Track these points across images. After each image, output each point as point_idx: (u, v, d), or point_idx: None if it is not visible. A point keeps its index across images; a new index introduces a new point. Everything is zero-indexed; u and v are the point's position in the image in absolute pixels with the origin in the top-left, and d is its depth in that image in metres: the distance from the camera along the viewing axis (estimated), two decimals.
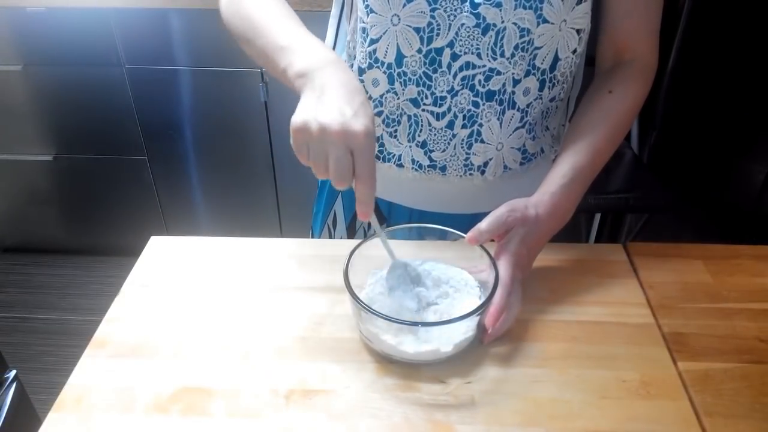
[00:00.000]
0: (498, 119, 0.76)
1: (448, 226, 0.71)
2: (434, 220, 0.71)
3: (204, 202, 2.11)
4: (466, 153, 0.78)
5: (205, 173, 2.04)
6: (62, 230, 2.23)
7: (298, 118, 0.58)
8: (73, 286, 2.17)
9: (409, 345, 0.61)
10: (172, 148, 1.98)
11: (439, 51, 0.71)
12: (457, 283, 0.69)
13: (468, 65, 0.71)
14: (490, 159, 0.79)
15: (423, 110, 0.76)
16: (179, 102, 1.89)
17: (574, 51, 0.74)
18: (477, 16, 0.68)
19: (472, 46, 0.70)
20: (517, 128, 0.78)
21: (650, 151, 1.86)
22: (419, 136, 0.78)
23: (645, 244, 0.80)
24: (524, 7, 0.67)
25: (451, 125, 0.76)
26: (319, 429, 0.57)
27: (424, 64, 0.72)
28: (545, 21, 0.69)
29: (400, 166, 0.82)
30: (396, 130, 0.79)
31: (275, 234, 2.15)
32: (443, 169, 0.80)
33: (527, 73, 0.73)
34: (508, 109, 0.75)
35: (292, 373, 0.62)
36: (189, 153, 1.99)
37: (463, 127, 0.76)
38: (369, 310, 0.60)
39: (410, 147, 0.80)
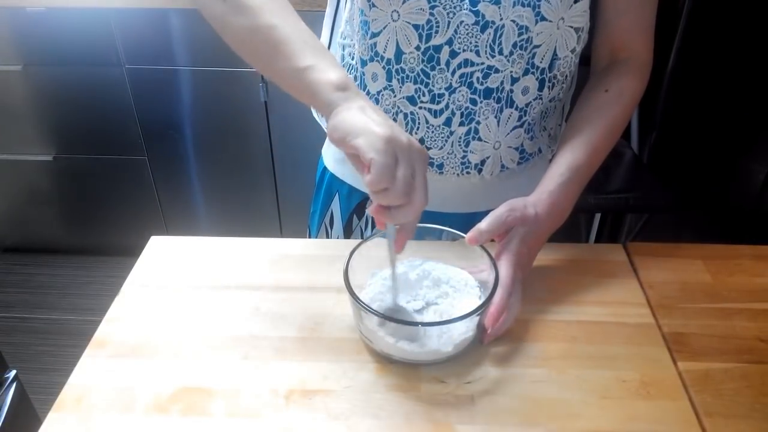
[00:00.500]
0: (496, 117, 0.76)
1: (444, 226, 0.71)
2: (431, 219, 0.71)
3: (204, 202, 2.11)
4: (464, 151, 0.78)
5: (205, 173, 2.04)
6: (62, 230, 2.23)
7: (383, 130, 0.54)
8: (73, 286, 2.17)
9: (409, 345, 0.61)
10: (172, 148, 1.98)
11: (438, 48, 0.71)
12: (457, 283, 0.69)
13: (466, 62, 0.71)
14: (488, 157, 0.79)
15: (420, 108, 0.76)
16: (179, 102, 1.89)
17: (573, 50, 0.74)
18: (476, 13, 0.68)
19: (470, 43, 0.70)
20: (515, 127, 0.78)
21: (650, 151, 1.86)
22: (416, 133, 0.78)
23: (645, 244, 0.81)
24: (522, 5, 0.68)
25: (448, 122, 0.76)
26: (319, 429, 0.57)
27: (422, 61, 0.72)
28: (543, 19, 0.69)
29: None
30: None
31: (275, 234, 2.15)
32: (440, 166, 0.80)
33: (526, 72, 0.73)
34: (506, 107, 0.75)
35: (292, 373, 0.62)
36: (189, 153, 1.99)
37: (461, 124, 0.76)
38: (369, 310, 0.60)
39: None
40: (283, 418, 0.58)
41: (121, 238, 2.18)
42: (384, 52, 0.73)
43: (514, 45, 0.70)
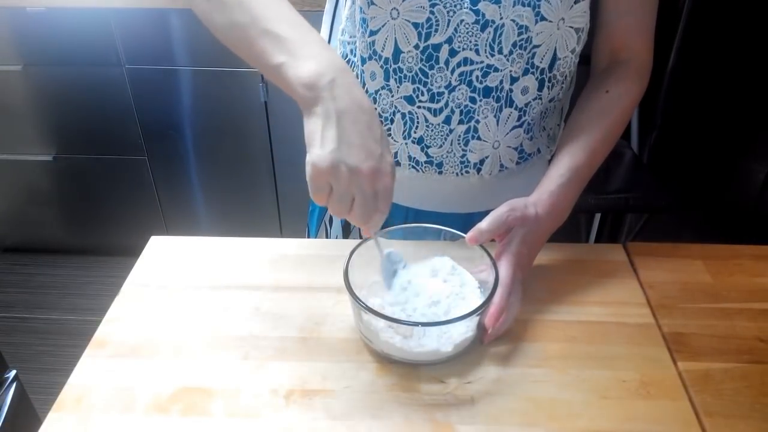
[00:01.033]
0: (495, 116, 0.76)
1: (443, 226, 0.71)
2: (430, 220, 0.71)
3: (204, 202, 2.11)
4: (463, 150, 0.78)
5: (205, 173, 2.04)
6: (62, 230, 2.23)
7: (324, 158, 0.53)
8: (73, 286, 2.17)
9: (409, 345, 0.61)
10: (172, 148, 1.98)
11: (437, 47, 0.71)
12: (457, 283, 0.69)
13: (466, 61, 0.71)
14: (487, 157, 0.79)
15: (419, 107, 0.76)
16: (179, 102, 1.89)
17: (573, 50, 0.74)
18: (476, 12, 0.68)
19: (470, 42, 0.70)
20: (515, 127, 0.78)
21: (650, 151, 1.86)
22: (415, 132, 0.78)
23: (645, 244, 0.81)
24: (523, 5, 0.68)
25: (448, 121, 0.76)
26: (319, 429, 0.57)
27: (421, 60, 0.72)
28: (543, 19, 0.69)
29: (396, 163, 0.82)
30: (389, 129, 0.79)
31: (275, 234, 2.15)
32: (440, 165, 0.80)
33: (525, 72, 0.73)
34: (506, 106, 0.75)
35: (292, 373, 0.62)
36: (189, 153, 1.99)
37: (460, 122, 0.76)
38: (369, 310, 0.60)
39: (406, 144, 0.80)
40: (283, 418, 0.58)
41: (121, 238, 2.18)
42: (382, 51, 0.73)
43: (514, 44, 0.70)
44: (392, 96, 0.76)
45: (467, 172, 0.80)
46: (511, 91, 0.74)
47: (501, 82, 0.73)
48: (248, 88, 1.81)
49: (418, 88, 0.74)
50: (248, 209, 2.10)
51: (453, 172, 0.80)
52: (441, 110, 0.75)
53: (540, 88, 0.75)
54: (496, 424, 0.57)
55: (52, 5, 1.74)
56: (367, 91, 0.78)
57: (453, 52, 0.71)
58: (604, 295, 0.72)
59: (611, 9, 0.75)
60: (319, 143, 0.54)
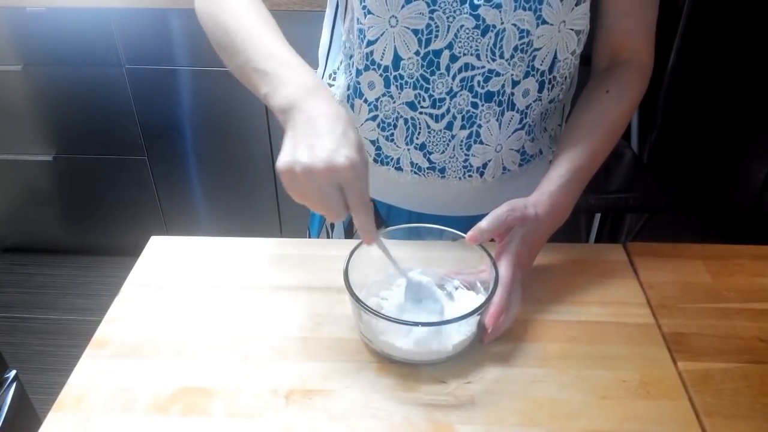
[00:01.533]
0: (497, 120, 0.76)
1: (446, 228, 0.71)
2: (433, 222, 0.71)
3: (204, 202, 2.11)
4: (465, 154, 0.78)
5: (205, 173, 2.04)
6: (62, 230, 2.23)
7: (281, 163, 0.58)
8: (73, 286, 2.17)
9: (409, 345, 0.61)
10: (172, 148, 1.98)
11: (438, 53, 0.71)
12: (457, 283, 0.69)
13: (467, 66, 0.71)
14: (489, 160, 0.79)
15: (420, 113, 0.76)
16: (179, 102, 1.89)
17: (573, 52, 0.74)
18: (476, 17, 0.68)
19: (471, 47, 0.70)
20: (517, 130, 0.78)
21: (650, 150, 1.86)
22: (417, 138, 0.78)
23: (645, 244, 0.80)
24: (524, 9, 0.67)
25: (450, 126, 0.76)
26: (319, 429, 0.57)
27: (422, 66, 0.72)
28: (545, 22, 0.69)
29: (399, 169, 0.82)
30: (392, 134, 0.79)
31: (275, 234, 2.15)
32: (442, 171, 0.80)
33: (526, 75, 0.73)
34: (508, 110, 0.75)
35: (292, 373, 0.62)
36: (189, 153, 1.99)
37: (462, 128, 0.76)
38: (369, 310, 0.60)
39: (408, 150, 0.79)
40: (283, 418, 0.58)
41: (121, 238, 2.18)
42: (381, 60, 0.73)
43: (515, 48, 0.70)
44: (394, 102, 0.76)
45: (470, 176, 0.80)
46: (512, 94, 0.74)
47: (502, 86, 0.73)
48: (248, 88, 1.81)
49: (420, 94, 0.74)
50: (248, 209, 2.10)
51: (456, 177, 0.80)
52: (443, 116, 0.75)
53: (540, 90, 0.75)
54: (496, 424, 0.57)
55: (52, 5, 1.74)
56: (366, 101, 0.78)
57: (454, 58, 0.71)
58: (604, 295, 0.72)
59: (612, 10, 0.75)
60: (282, 152, 0.59)
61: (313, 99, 0.60)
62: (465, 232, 0.67)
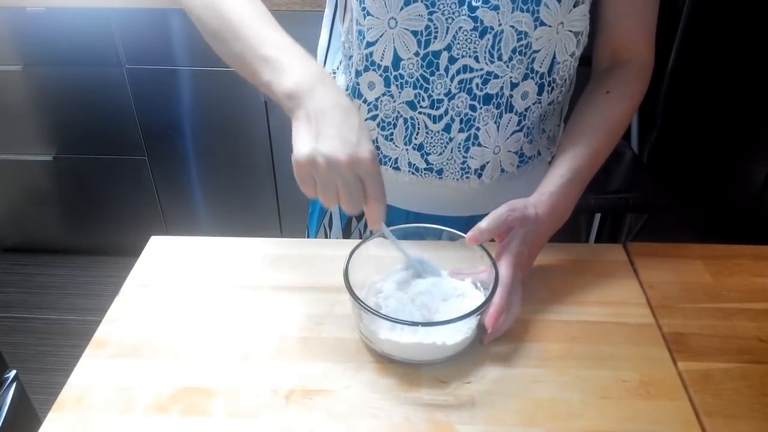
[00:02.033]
0: (495, 123, 0.75)
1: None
2: (431, 222, 0.71)
3: (204, 202, 2.11)
4: (463, 156, 0.78)
5: (205, 173, 2.04)
6: (62, 230, 2.23)
7: (301, 152, 0.58)
8: (73, 286, 2.17)
9: (409, 345, 0.61)
10: (172, 148, 1.98)
11: (437, 54, 0.71)
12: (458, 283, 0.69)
13: (465, 68, 0.71)
14: (487, 162, 0.79)
15: (420, 113, 0.76)
16: (179, 102, 1.89)
17: (572, 54, 0.74)
18: (475, 19, 0.68)
19: (469, 49, 0.70)
20: (515, 132, 0.78)
21: (650, 150, 1.86)
22: (416, 139, 0.78)
23: (645, 244, 0.80)
24: (522, 10, 0.67)
25: (448, 129, 0.76)
26: (319, 429, 0.57)
27: (422, 66, 0.72)
28: (543, 24, 0.69)
29: (397, 169, 0.82)
30: (392, 134, 0.79)
31: (275, 234, 2.15)
32: (440, 172, 0.80)
33: (525, 77, 0.73)
34: (506, 112, 0.75)
35: (292, 373, 0.62)
36: (189, 153, 1.99)
37: (460, 130, 0.76)
38: (369, 310, 0.60)
39: (407, 150, 0.79)
40: (283, 418, 0.58)
41: (121, 238, 2.18)
42: (381, 60, 0.73)
43: (514, 50, 0.70)
44: (394, 101, 0.76)
45: (467, 177, 0.80)
46: (511, 96, 0.74)
47: (501, 88, 0.73)
48: (248, 88, 1.80)
49: (419, 93, 0.74)
50: (248, 209, 2.10)
51: (453, 178, 0.80)
52: (441, 117, 0.75)
53: (540, 93, 0.75)
54: (496, 424, 0.57)
55: (52, 5, 1.74)
56: (365, 101, 0.78)
57: (452, 59, 0.71)
58: (604, 295, 0.72)
59: (612, 10, 0.75)
60: (300, 141, 0.59)
61: (324, 88, 0.60)
62: (464, 232, 0.67)
